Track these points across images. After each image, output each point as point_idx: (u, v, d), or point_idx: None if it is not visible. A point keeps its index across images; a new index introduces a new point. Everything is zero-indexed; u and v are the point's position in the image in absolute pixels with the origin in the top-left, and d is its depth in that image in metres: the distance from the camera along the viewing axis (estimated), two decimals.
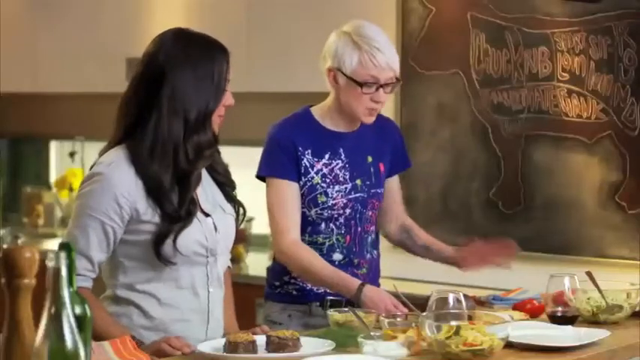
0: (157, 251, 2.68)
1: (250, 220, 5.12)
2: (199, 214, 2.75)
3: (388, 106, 4.63)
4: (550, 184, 4.27)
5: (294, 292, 3.26)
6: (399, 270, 3.51)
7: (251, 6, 5.11)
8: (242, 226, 5.08)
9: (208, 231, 2.76)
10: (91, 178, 2.70)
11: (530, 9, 4.29)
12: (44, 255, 1.76)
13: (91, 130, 5.91)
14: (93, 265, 2.69)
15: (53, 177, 6.52)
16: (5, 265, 1.85)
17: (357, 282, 3.11)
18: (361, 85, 3.12)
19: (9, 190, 6.64)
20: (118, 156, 2.70)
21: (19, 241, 5.87)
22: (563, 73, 4.22)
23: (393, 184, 3.40)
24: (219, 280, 2.83)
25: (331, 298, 3.23)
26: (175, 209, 2.68)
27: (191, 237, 2.71)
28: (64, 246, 1.87)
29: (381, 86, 3.14)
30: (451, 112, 4.50)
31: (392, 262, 3.57)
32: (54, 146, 6.59)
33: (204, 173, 2.83)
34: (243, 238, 5.18)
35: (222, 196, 2.87)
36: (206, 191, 2.82)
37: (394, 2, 4.61)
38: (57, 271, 1.75)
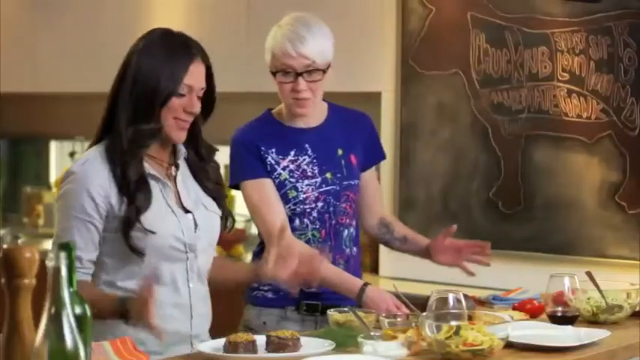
0: (127, 241, 2.71)
1: (250, 220, 5.11)
2: (178, 210, 2.79)
3: (388, 106, 4.64)
4: (550, 184, 4.27)
5: (270, 295, 3.24)
6: (399, 270, 3.51)
7: (251, 6, 5.11)
8: (242, 226, 5.13)
9: (187, 227, 2.79)
10: (66, 178, 2.77)
11: (530, 9, 4.29)
12: (44, 255, 1.76)
13: (91, 130, 5.84)
14: (81, 262, 2.72)
15: (53, 177, 6.52)
16: (5, 265, 1.85)
17: (359, 282, 3.11)
18: (274, 73, 3.15)
19: (9, 190, 6.65)
20: (93, 154, 2.77)
21: (19, 241, 5.87)
22: (563, 73, 4.22)
23: (370, 178, 3.38)
24: (200, 276, 2.84)
25: (307, 302, 3.22)
26: (125, 192, 2.72)
27: (167, 231, 2.74)
28: (64, 246, 1.87)
29: (300, 75, 3.13)
30: (451, 112, 4.50)
31: (392, 262, 3.58)
32: (54, 146, 6.60)
33: (185, 169, 2.87)
34: (243, 238, 5.18)
35: (205, 196, 2.89)
36: (188, 188, 2.85)
37: (394, 2, 4.61)
38: (57, 271, 1.75)
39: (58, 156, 6.59)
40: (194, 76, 2.76)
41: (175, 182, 2.83)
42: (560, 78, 4.22)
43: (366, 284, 3.09)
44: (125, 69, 2.78)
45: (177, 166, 2.85)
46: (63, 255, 1.75)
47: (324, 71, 3.14)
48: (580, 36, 4.18)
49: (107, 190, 2.72)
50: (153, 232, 2.72)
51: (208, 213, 2.87)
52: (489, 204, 4.41)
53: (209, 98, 2.84)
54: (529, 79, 4.29)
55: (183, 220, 2.79)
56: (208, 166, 2.91)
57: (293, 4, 4.95)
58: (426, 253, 3.36)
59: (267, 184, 3.19)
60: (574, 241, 4.21)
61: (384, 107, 4.66)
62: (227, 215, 2.93)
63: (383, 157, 3.45)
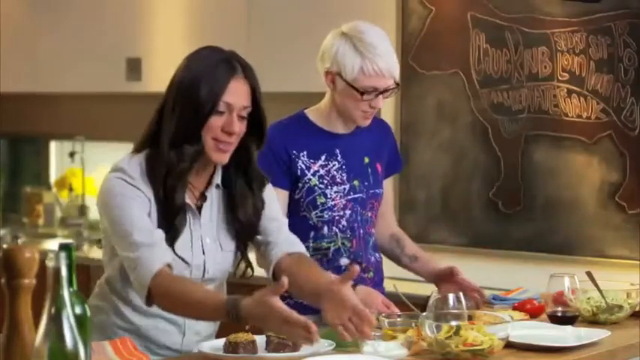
0: None
1: None
2: (197, 248, 2.74)
3: (388, 106, 4.64)
4: (550, 184, 4.27)
5: (305, 302, 3.24)
6: (399, 270, 3.50)
7: (252, 6, 5.11)
8: None
9: (196, 267, 2.74)
10: (116, 187, 2.67)
11: (530, 9, 4.29)
12: (44, 255, 1.76)
13: (91, 130, 5.91)
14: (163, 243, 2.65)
15: (53, 177, 6.52)
16: (5, 265, 1.85)
17: None
18: (362, 93, 3.11)
19: (9, 190, 6.64)
20: (135, 163, 2.69)
21: (19, 241, 5.87)
22: (563, 73, 4.22)
23: (387, 188, 3.39)
24: None
25: None
26: (166, 217, 2.67)
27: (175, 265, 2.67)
28: (64, 246, 1.87)
29: (381, 93, 3.13)
30: (451, 112, 4.50)
31: (392, 262, 3.57)
32: (54, 146, 6.59)
33: (216, 199, 2.78)
34: None
35: (226, 234, 2.81)
36: (212, 221, 2.78)
37: (394, 2, 4.61)
38: (57, 271, 1.75)
39: (58, 156, 6.58)
40: (234, 94, 2.66)
41: (200, 213, 2.76)
42: (560, 78, 4.22)
43: (355, 284, 3.10)
44: (170, 87, 2.70)
45: (205, 198, 2.76)
46: (63, 255, 1.75)
47: (394, 89, 3.18)
48: (580, 36, 4.18)
49: (150, 198, 2.66)
50: (186, 262, 2.70)
51: (223, 254, 2.81)
52: (489, 204, 4.41)
53: (258, 121, 2.74)
54: (529, 79, 4.29)
55: (195, 261, 2.73)
56: (253, 199, 2.80)
57: (294, 4, 4.97)
58: (431, 278, 3.33)
59: (277, 194, 3.17)
60: (574, 241, 4.21)
61: (384, 107, 4.65)
62: (247, 265, 2.85)
63: (402, 167, 3.46)
